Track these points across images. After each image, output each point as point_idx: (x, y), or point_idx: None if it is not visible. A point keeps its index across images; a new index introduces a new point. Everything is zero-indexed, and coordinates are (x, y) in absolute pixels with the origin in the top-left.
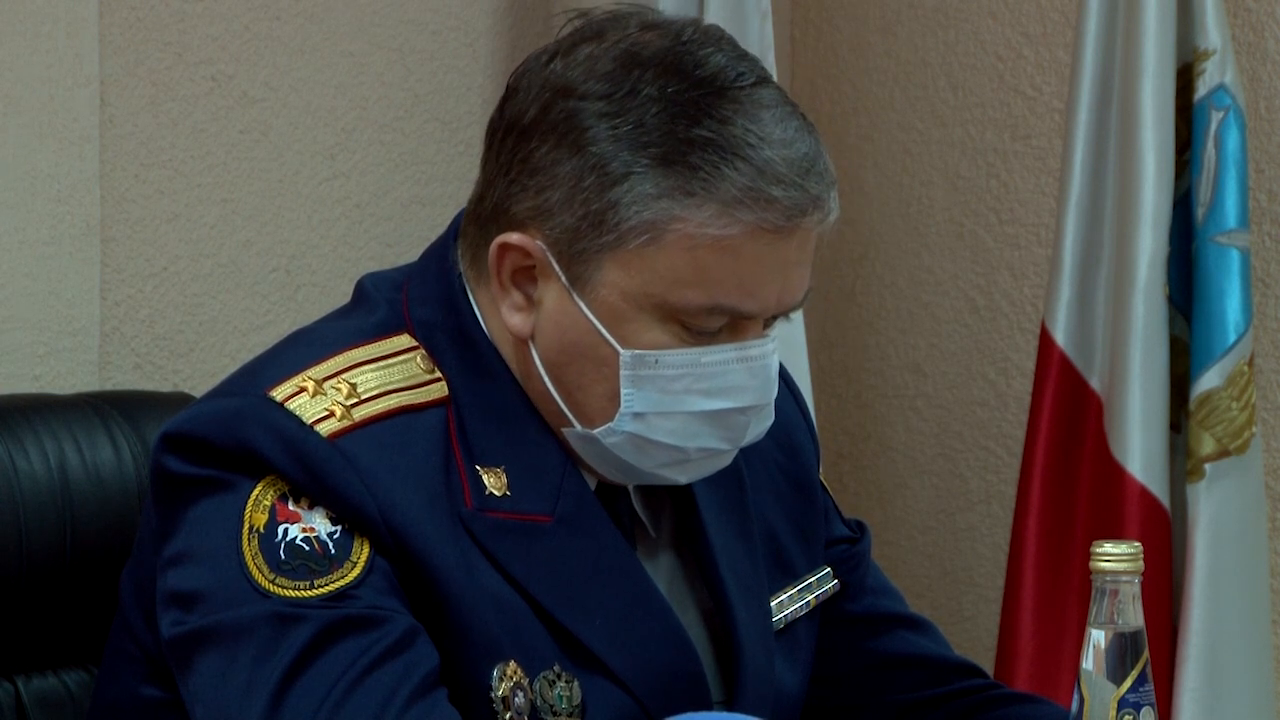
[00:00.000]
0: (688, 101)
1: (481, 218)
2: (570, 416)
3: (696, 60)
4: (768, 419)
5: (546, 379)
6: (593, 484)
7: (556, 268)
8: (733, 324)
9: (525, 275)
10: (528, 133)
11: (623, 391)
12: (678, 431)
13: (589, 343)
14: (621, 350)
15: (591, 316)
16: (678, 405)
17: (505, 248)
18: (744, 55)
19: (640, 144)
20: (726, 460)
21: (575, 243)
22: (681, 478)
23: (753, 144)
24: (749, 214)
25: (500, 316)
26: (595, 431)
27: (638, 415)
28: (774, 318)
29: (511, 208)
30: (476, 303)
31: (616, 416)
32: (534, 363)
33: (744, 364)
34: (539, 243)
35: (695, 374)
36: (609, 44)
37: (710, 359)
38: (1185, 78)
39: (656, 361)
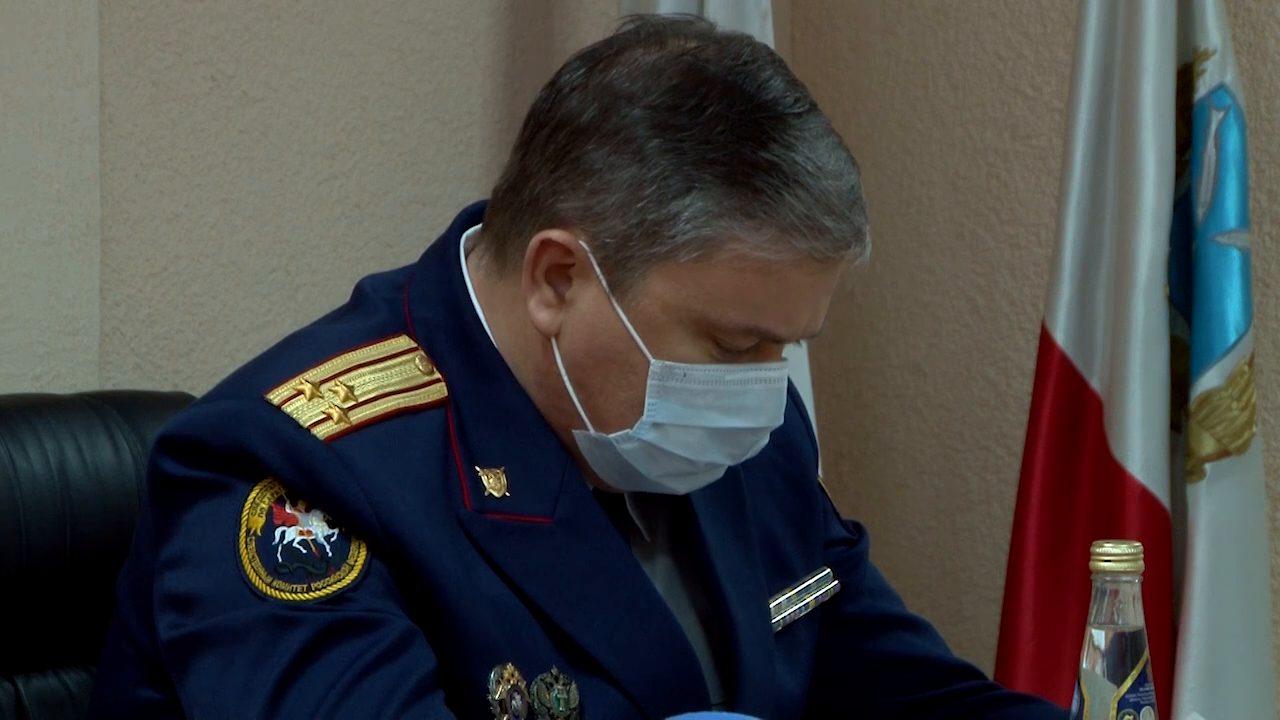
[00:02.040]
0: (752, 124)
1: (516, 208)
2: (585, 419)
3: (759, 82)
4: (765, 439)
5: (566, 379)
6: (591, 487)
7: (598, 271)
8: (759, 346)
9: (560, 273)
10: (583, 133)
11: (647, 401)
12: (692, 445)
13: (620, 349)
14: (653, 360)
15: (628, 324)
16: (697, 420)
17: (546, 244)
18: (796, 80)
19: (705, 160)
20: (721, 473)
21: (623, 249)
22: (681, 488)
23: (812, 173)
24: (803, 242)
25: (508, 315)
26: (611, 436)
27: (657, 425)
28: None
29: (556, 204)
30: (481, 301)
31: (636, 424)
32: (554, 361)
33: (763, 385)
34: (583, 243)
35: (718, 390)
36: (671, 55)
37: (734, 377)
38: (1185, 78)
39: (684, 375)
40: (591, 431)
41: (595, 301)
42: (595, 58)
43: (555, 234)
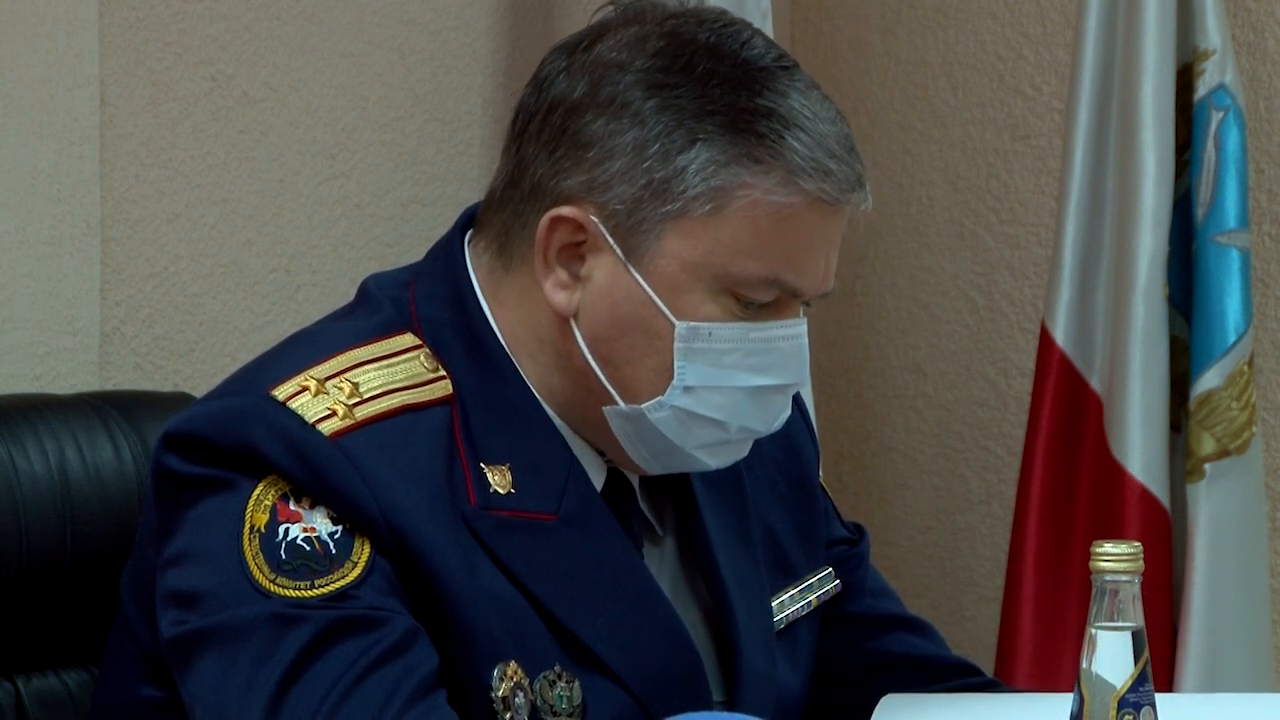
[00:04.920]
0: (744, 75)
1: (517, 200)
2: (614, 393)
3: (741, 41)
4: (789, 406)
5: (590, 356)
6: (599, 484)
7: (611, 241)
8: (776, 302)
9: (571, 252)
10: (578, 109)
11: (676, 364)
12: (725, 407)
13: (643, 315)
14: (677, 322)
15: (647, 288)
16: (727, 380)
17: (557, 221)
18: (774, 43)
19: (704, 112)
20: (747, 449)
21: (635, 213)
22: (713, 462)
23: (809, 117)
24: (811, 183)
25: (518, 308)
26: (643, 407)
27: (689, 389)
28: (807, 303)
29: (559, 184)
30: (487, 297)
31: (668, 390)
32: (575, 341)
33: (787, 340)
34: (592, 216)
35: (745, 348)
36: (652, 24)
37: (758, 334)
38: (1185, 78)
39: (710, 334)
40: (622, 405)
41: (612, 273)
42: (575, 43)
43: (565, 210)
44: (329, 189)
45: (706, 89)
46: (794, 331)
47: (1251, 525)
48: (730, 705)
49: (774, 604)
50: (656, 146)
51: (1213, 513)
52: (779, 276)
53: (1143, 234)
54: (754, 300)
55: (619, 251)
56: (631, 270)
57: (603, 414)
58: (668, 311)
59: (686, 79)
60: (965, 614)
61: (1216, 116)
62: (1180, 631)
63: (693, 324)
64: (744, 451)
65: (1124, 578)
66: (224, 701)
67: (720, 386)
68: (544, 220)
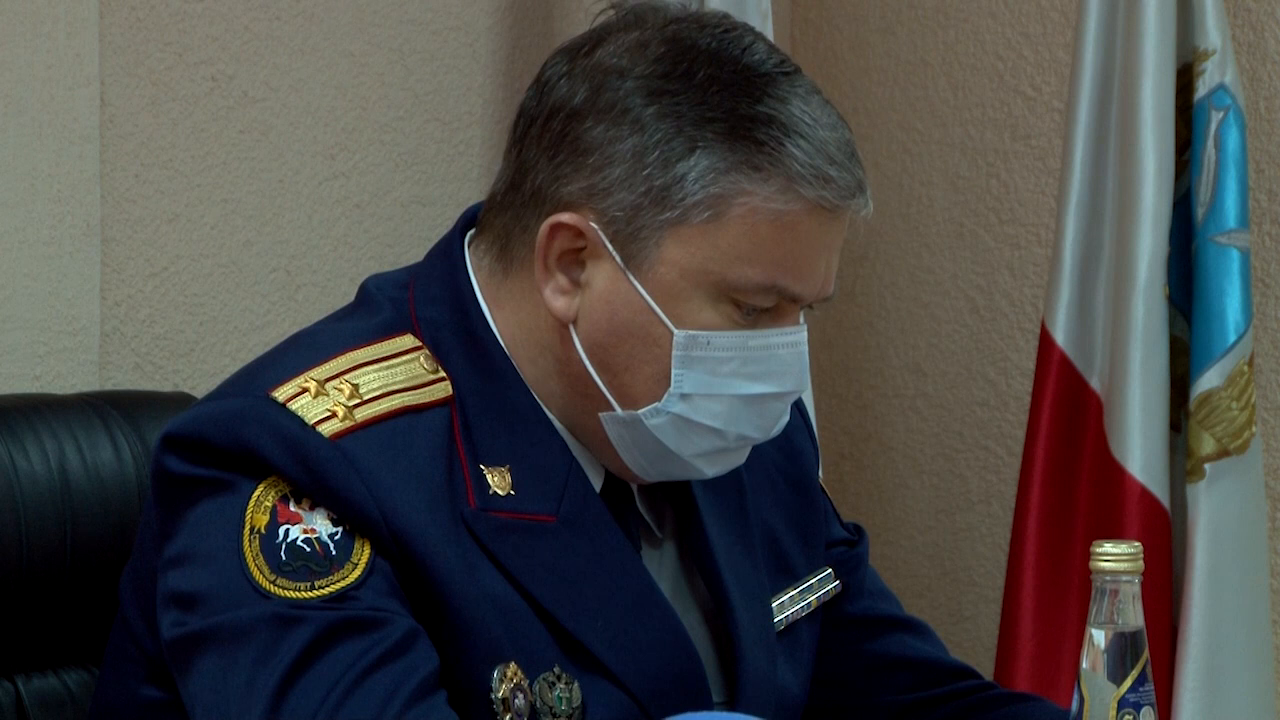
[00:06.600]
0: (744, 82)
1: (518, 205)
2: (611, 399)
3: (743, 47)
4: (788, 412)
5: (588, 362)
6: (598, 486)
7: (610, 248)
8: (776, 309)
9: (571, 258)
10: (578, 114)
11: (674, 372)
12: (722, 415)
13: (641, 323)
14: (675, 330)
15: (646, 296)
16: (724, 388)
17: (557, 228)
18: (776, 47)
19: (704, 119)
20: (744, 457)
21: (634, 220)
22: (710, 470)
23: (809, 124)
24: (810, 190)
25: (517, 311)
26: (640, 413)
27: (685, 396)
28: (808, 306)
29: (560, 190)
30: (487, 300)
31: (665, 397)
32: (574, 347)
33: (787, 348)
34: (592, 223)
35: (743, 356)
36: (654, 30)
37: (756, 342)
38: (1185, 78)
39: (708, 343)
40: (619, 411)
41: (611, 279)
42: (577, 47)
43: (565, 217)
44: (329, 189)
45: (707, 95)
46: (793, 339)
47: (1251, 525)
48: (731, 706)
49: (774, 605)
50: (656, 154)
51: (1213, 513)
52: (778, 283)
53: (1143, 234)
54: (753, 306)
55: (618, 258)
56: (630, 277)
57: (599, 420)
58: (666, 319)
59: (687, 85)
60: (965, 614)
61: (1216, 116)
62: (1180, 631)
63: (691, 332)
64: (741, 459)
65: (1124, 578)
66: (224, 702)
67: (718, 395)
68: (544, 226)
